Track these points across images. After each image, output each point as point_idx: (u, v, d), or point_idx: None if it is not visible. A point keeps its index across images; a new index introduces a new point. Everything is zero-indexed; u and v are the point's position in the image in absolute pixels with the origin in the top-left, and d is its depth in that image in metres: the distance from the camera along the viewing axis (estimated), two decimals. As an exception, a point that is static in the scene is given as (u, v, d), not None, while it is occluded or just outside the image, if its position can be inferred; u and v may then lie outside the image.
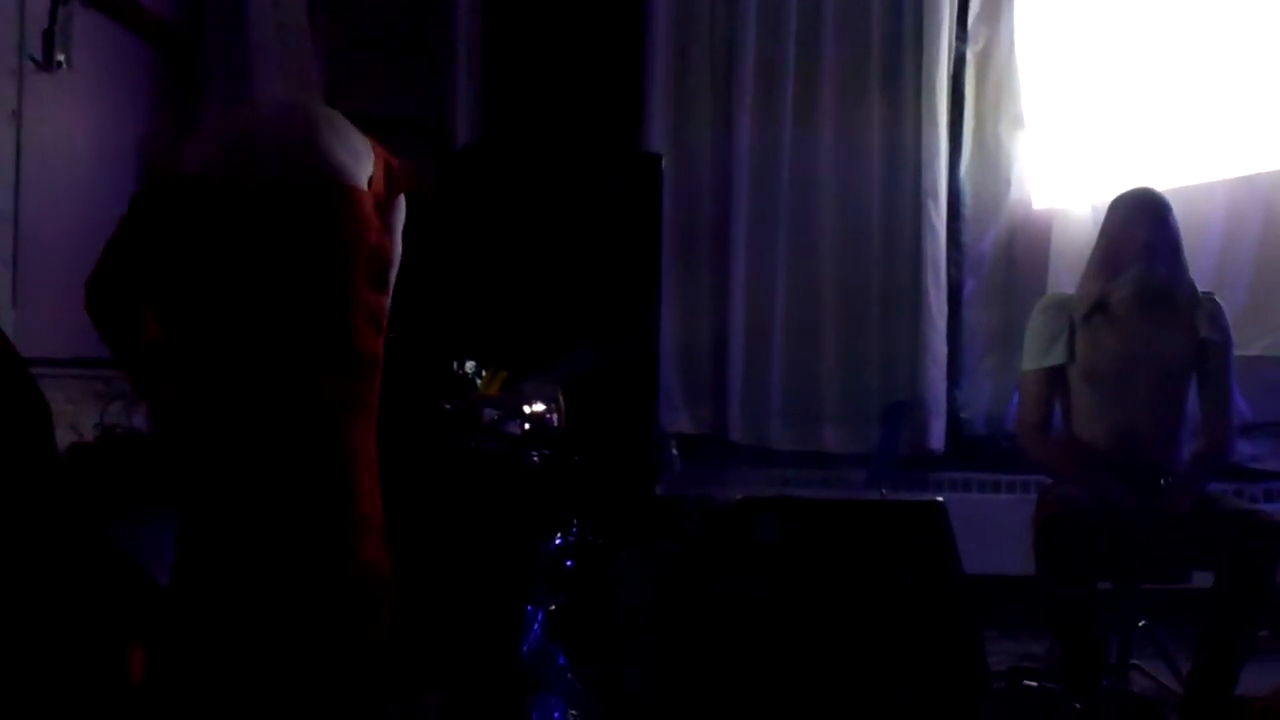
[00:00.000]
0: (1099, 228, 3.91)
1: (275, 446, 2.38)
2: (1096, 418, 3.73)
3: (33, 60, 3.41)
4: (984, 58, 5.23)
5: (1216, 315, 3.76)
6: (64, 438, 2.75)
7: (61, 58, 3.50)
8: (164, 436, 2.55)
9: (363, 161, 2.53)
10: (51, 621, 2.37)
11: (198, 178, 2.45)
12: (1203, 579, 3.60)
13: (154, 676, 2.39)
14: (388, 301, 2.56)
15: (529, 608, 3.11)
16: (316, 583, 2.36)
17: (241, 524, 2.37)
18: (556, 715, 3.05)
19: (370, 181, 2.52)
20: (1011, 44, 5.18)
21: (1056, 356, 3.77)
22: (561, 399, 3.32)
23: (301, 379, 2.39)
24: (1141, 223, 3.73)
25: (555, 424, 3.28)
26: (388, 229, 2.57)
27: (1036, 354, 3.82)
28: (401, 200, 2.66)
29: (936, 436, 5.09)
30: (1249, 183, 4.93)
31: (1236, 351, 3.87)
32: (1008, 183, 5.19)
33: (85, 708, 2.41)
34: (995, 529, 3.99)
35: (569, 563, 3.25)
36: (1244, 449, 4.72)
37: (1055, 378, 3.80)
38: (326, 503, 2.39)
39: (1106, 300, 3.73)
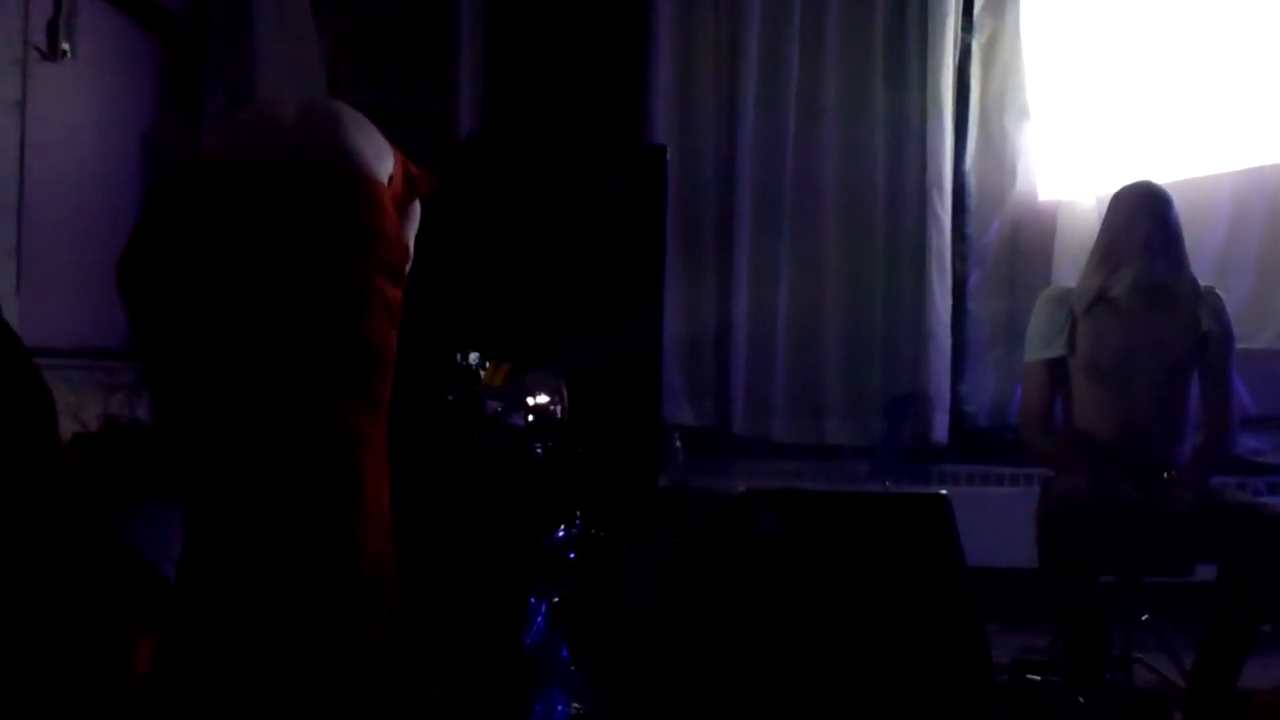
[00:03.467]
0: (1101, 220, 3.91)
1: (280, 435, 2.39)
2: (1098, 411, 3.73)
3: (37, 50, 3.41)
4: (989, 49, 5.22)
5: (1218, 309, 3.76)
6: (67, 428, 2.75)
7: (66, 48, 3.50)
8: (168, 426, 2.55)
9: (384, 159, 2.55)
10: (53, 613, 2.38)
11: (222, 164, 2.46)
12: (1205, 572, 3.59)
13: (159, 668, 2.39)
14: (401, 296, 2.56)
15: (532, 600, 3.12)
16: (316, 574, 2.37)
17: (244, 514, 2.37)
18: (559, 707, 3.05)
19: (391, 180, 2.53)
20: (1017, 35, 5.17)
21: (1058, 348, 3.77)
22: (565, 391, 3.32)
23: (311, 368, 2.40)
24: (1141, 219, 3.73)
25: (558, 416, 3.28)
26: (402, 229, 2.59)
27: (1038, 345, 3.82)
28: (417, 206, 2.67)
29: (940, 429, 5.09)
30: (1255, 175, 4.93)
31: (1240, 344, 3.86)
32: (1013, 174, 5.18)
33: (88, 700, 2.41)
34: (999, 522, 3.99)
35: (572, 555, 3.25)
36: (1247, 442, 4.71)
37: (1057, 369, 3.80)
38: (329, 493, 2.39)
39: (1107, 295, 3.73)
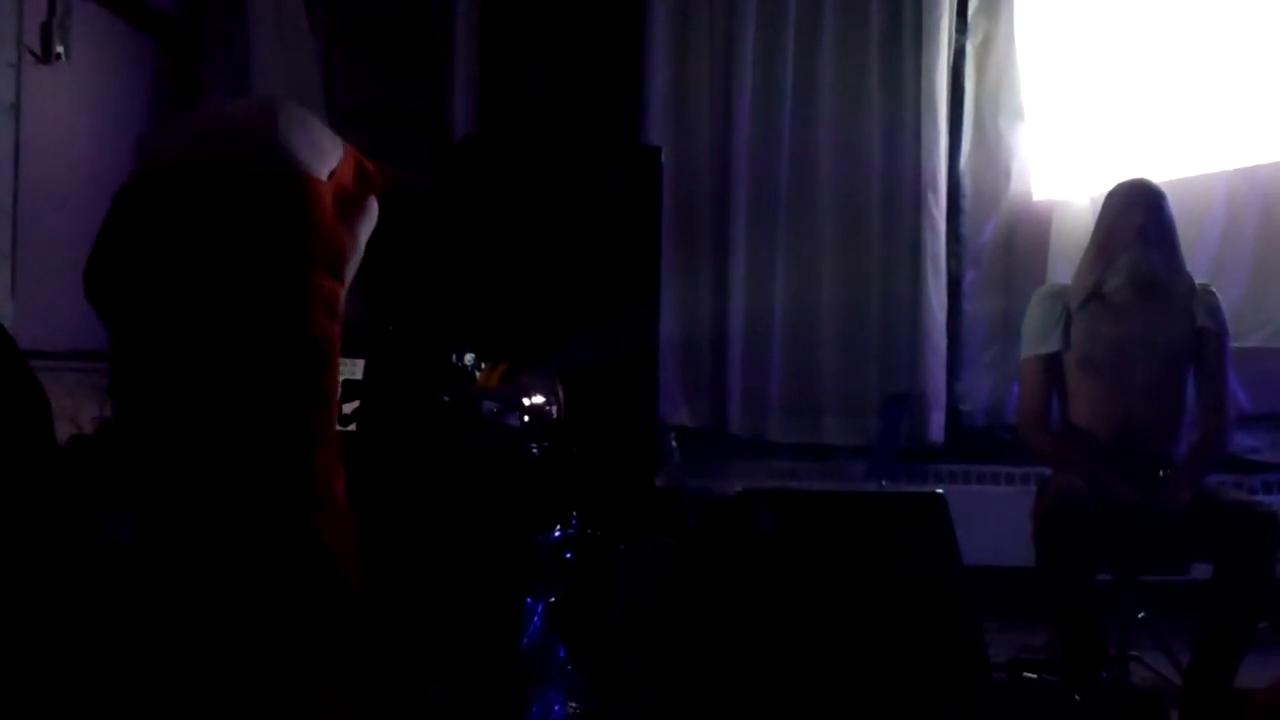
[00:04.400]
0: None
1: (228, 432, 2.40)
2: (1094, 406, 3.73)
3: (31, 53, 3.41)
4: (984, 50, 5.23)
5: (1213, 306, 3.77)
6: (63, 431, 2.75)
7: (60, 50, 3.50)
8: (124, 426, 2.56)
9: (324, 155, 2.56)
10: (47, 615, 2.37)
11: (161, 168, 2.49)
12: (1202, 570, 3.60)
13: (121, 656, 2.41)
14: (342, 291, 2.58)
15: (529, 601, 3.11)
16: (270, 569, 2.38)
17: (194, 508, 2.39)
18: (556, 708, 3.05)
19: (332, 175, 2.55)
20: (1011, 36, 5.18)
21: (1053, 343, 3.78)
22: (561, 391, 3.32)
23: (256, 364, 2.41)
24: (1135, 211, 3.75)
25: (554, 416, 3.27)
26: (348, 223, 2.60)
27: (1033, 342, 3.83)
28: (372, 202, 2.68)
29: (936, 428, 5.09)
30: (1248, 175, 4.94)
31: (1235, 343, 3.87)
32: (1007, 174, 5.19)
33: (81, 703, 2.41)
34: (995, 521, 3.99)
35: (568, 555, 3.25)
36: (1242, 441, 4.72)
37: (1053, 365, 3.80)
38: (279, 486, 2.40)
39: (1102, 288, 3.74)
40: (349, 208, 2.64)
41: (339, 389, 2.58)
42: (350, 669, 2.54)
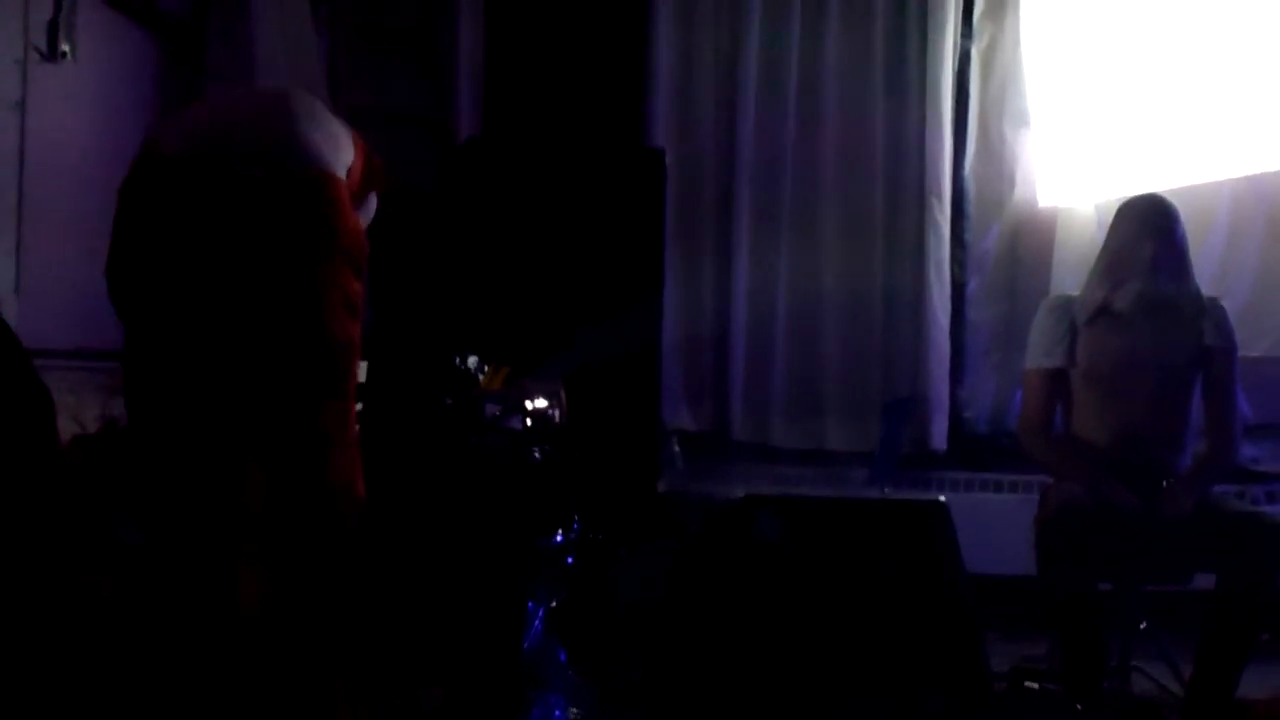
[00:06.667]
0: (1104, 229, 3.90)
1: (249, 428, 2.40)
2: (1098, 419, 3.72)
3: (37, 51, 3.40)
4: (989, 55, 5.23)
5: (1221, 321, 3.74)
6: (66, 429, 2.75)
7: (66, 49, 3.49)
8: (138, 429, 2.56)
9: (342, 150, 2.55)
10: (51, 613, 2.37)
11: (177, 161, 2.47)
12: (1204, 581, 3.59)
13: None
14: (364, 289, 2.57)
15: (530, 604, 3.11)
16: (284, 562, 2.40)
17: (208, 508, 2.39)
18: (557, 713, 3.05)
19: (349, 171, 2.54)
20: (1016, 41, 5.18)
21: (1058, 358, 3.76)
22: (563, 395, 3.32)
23: (275, 364, 2.41)
24: (1147, 236, 3.71)
25: (557, 420, 3.27)
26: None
27: (1039, 354, 3.81)
28: (373, 198, 2.68)
29: (939, 435, 5.09)
30: (1253, 183, 4.93)
31: (1239, 352, 3.86)
32: (1012, 181, 5.18)
33: (84, 701, 2.40)
34: (997, 529, 3.98)
35: (570, 559, 3.25)
36: (1246, 450, 4.70)
37: (1058, 378, 3.79)
38: (295, 487, 2.41)
39: (1110, 307, 3.72)
40: (357, 203, 2.64)
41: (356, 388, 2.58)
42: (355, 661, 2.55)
